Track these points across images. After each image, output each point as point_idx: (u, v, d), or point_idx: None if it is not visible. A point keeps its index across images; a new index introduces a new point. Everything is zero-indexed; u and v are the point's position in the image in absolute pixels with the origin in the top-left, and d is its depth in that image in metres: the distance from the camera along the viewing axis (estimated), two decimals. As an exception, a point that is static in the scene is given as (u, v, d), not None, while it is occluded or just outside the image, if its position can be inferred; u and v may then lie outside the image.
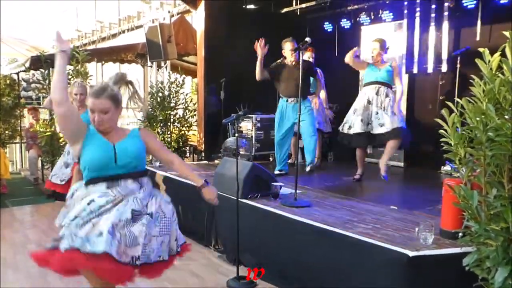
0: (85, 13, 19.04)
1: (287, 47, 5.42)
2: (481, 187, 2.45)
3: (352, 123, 5.20)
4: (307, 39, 4.50)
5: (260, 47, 5.25)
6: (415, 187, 5.34)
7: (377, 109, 5.07)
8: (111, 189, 2.35)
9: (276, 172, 5.59)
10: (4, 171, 7.35)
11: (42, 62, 7.24)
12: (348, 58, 5.18)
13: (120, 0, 16.03)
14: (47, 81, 7.38)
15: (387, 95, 5.11)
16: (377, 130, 5.05)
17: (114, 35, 14.57)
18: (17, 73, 9.76)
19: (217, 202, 2.65)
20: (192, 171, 2.73)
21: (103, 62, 10.07)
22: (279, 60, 5.57)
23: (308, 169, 5.38)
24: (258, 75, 5.40)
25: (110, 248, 2.15)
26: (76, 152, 2.41)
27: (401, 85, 5.30)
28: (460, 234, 2.67)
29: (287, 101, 5.53)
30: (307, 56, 6.13)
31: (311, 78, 5.81)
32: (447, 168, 5.69)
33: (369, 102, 5.14)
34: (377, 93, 5.11)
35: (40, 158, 8.39)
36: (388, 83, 5.18)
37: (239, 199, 3.76)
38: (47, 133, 7.12)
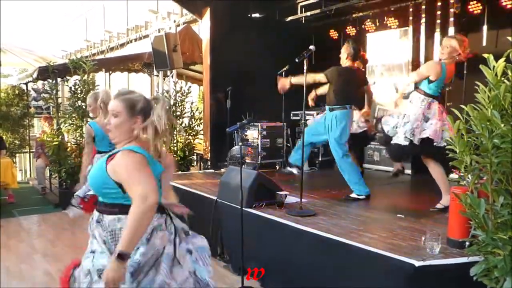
0: (93, 23, 19.27)
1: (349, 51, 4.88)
2: (487, 195, 2.41)
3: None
4: (311, 47, 4.49)
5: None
6: (422, 195, 5.28)
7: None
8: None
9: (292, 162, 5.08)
10: (11, 181, 7.40)
11: (49, 72, 7.29)
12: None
13: (128, 10, 16.20)
14: (54, 91, 7.43)
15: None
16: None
17: (122, 45, 14.71)
18: (26, 83, 9.85)
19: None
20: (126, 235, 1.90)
21: (111, 71, 10.13)
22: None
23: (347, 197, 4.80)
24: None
25: None
26: None
27: None
28: (468, 243, 2.63)
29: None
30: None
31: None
32: (453, 175, 5.60)
33: None
34: None
35: (48, 168, 8.44)
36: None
37: (244, 208, 3.74)
38: (55, 143, 7.15)
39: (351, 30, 7.26)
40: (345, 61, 4.90)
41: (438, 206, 4.18)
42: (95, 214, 2.12)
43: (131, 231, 1.87)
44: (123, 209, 1.98)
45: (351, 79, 4.91)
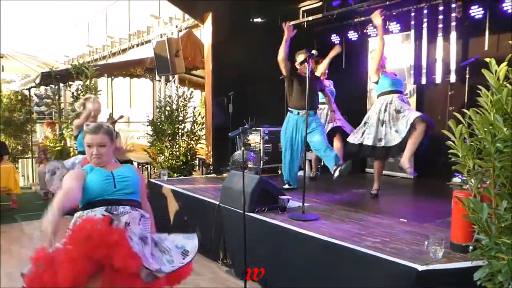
0: (96, 29, 19.36)
1: (300, 59, 5.33)
2: (491, 199, 2.40)
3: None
4: (314, 51, 4.50)
5: (287, 29, 5.22)
6: (424, 199, 5.26)
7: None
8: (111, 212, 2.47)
9: (285, 186, 5.48)
10: (14, 186, 7.40)
11: (52, 78, 7.32)
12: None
13: (130, 16, 16.27)
14: (57, 97, 7.46)
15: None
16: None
17: (124, 50, 14.76)
18: (28, 89, 9.88)
19: None
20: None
21: (113, 77, 10.17)
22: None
23: (336, 174, 5.12)
24: (281, 55, 5.29)
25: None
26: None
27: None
28: (471, 248, 2.61)
29: (298, 113, 5.35)
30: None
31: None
32: (456, 180, 5.60)
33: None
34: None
35: (50, 173, 8.44)
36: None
37: (246, 213, 3.73)
38: (57, 148, 7.17)
39: (352, 35, 7.26)
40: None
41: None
42: (136, 214, 2.53)
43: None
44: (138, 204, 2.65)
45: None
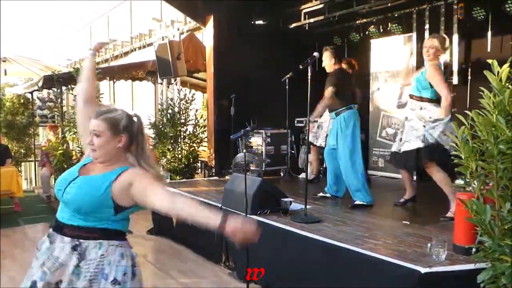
0: (98, 32, 19.41)
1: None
2: (494, 201, 2.39)
3: None
4: (315, 54, 4.50)
5: None
6: (427, 201, 5.24)
7: None
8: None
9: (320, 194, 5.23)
10: (17, 190, 7.40)
11: (54, 81, 7.33)
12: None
13: (132, 19, 16.32)
14: (59, 100, 7.48)
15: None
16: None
17: (126, 53, 14.78)
18: (31, 92, 9.91)
19: (255, 239, 1.74)
20: (201, 209, 1.85)
21: (115, 80, 10.19)
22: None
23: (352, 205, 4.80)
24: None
25: None
26: None
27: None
28: (474, 250, 2.60)
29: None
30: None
31: None
32: (459, 181, 5.57)
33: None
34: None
35: (53, 176, 8.46)
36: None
37: (248, 215, 3.73)
38: (60, 151, 7.17)
39: (354, 37, 7.26)
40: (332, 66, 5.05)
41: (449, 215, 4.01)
42: (65, 240, 1.89)
43: (198, 211, 1.82)
44: (105, 234, 1.90)
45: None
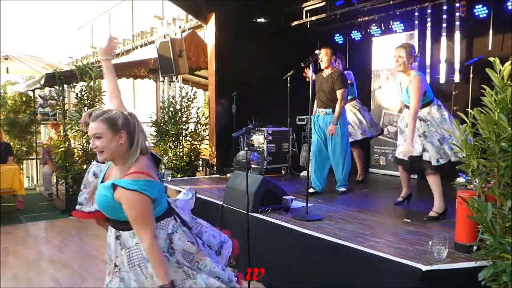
0: (100, 30, 19.42)
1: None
2: (495, 199, 2.39)
3: None
4: (317, 51, 4.50)
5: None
6: (428, 200, 5.24)
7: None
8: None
9: (310, 190, 5.20)
10: (19, 187, 7.43)
11: (56, 79, 7.33)
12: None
13: (134, 17, 16.32)
14: (61, 98, 7.48)
15: None
16: None
17: (128, 51, 14.79)
18: (33, 90, 9.91)
19: None
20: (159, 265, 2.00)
21: (117, 77, 10.14)
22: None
23: (339, 190, 5.34)
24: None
25: None
26: None
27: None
28: (475, 248, 2.60)
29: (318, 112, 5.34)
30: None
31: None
32: (460, 179, 5.57)
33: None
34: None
35: (54, 174, 8.48)
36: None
37: (250, 213, 3.73)
38: (61, 149, 7.18)
39: (356, 35, 7.25)
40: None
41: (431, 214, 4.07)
42: (112, 230, 2.15)
43: (155, 264, 1.99)
44: None
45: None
